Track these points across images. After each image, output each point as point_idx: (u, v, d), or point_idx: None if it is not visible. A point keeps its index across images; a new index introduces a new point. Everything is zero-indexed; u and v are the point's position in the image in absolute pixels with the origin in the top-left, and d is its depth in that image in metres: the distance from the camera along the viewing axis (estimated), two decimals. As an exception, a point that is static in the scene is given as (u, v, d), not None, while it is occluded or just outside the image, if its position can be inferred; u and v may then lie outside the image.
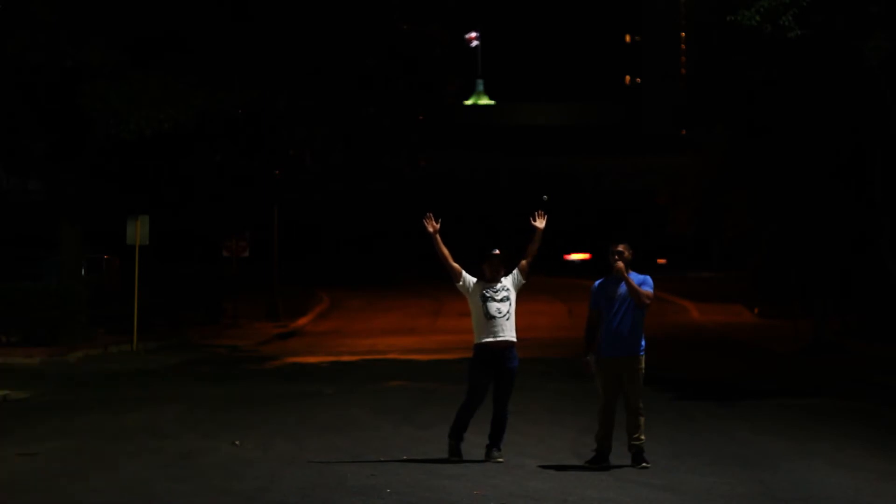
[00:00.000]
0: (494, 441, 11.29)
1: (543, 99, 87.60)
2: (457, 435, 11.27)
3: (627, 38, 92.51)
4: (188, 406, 15.78)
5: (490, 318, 11.15)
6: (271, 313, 35.98)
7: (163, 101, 23.00)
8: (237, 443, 12.54)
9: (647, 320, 11.19)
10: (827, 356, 24.68)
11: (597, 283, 11.26)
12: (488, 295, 11.19)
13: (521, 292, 11.47)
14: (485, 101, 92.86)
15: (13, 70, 23.60)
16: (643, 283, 11.02)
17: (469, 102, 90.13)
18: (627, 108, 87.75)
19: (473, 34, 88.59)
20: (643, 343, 11.04)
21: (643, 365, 11.04)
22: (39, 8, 21.97)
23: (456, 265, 11.38)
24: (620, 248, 11.05)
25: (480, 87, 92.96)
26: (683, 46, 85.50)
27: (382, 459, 11.38)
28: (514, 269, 11.40)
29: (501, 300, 11.20)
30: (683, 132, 67.32)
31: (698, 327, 34.77)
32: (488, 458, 11.17)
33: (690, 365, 22.74)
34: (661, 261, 59.34)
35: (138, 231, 25.19)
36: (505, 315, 11.19)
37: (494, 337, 11.12)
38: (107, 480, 10.55)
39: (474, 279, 11.33)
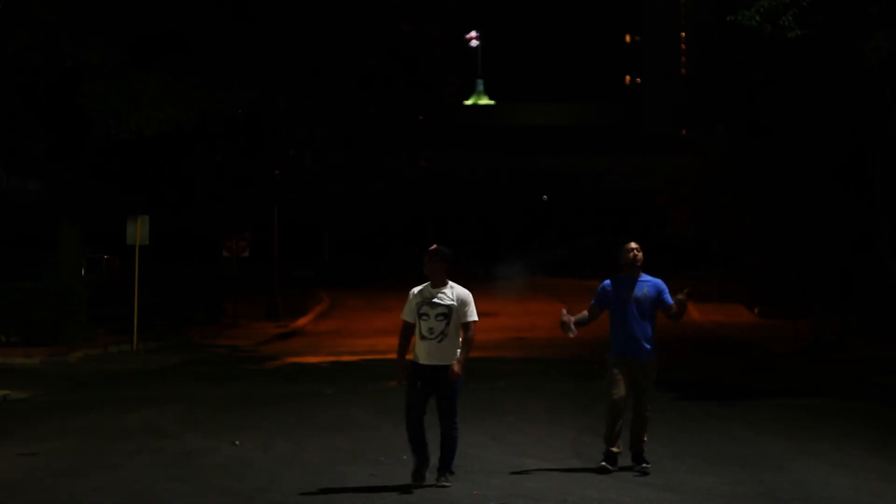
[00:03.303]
0: (442, 464, 10.12)
1: (543, 99, 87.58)
2: (417, 457, 10.11)
3: (627, 38, 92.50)
4: (188, 406, 15.78)
5: (422, 337, 10.01)
6: (271, 313, 35.98)
7: (163, 101, 22.99)
8: (237, 443, 12.55)
9: (646, 321, 11.12)
10: (827, 356, 24.67)
11: (607, 282, 10.98)
12: (423, 311, 10.01)
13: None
14: (485, 101, 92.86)
15: (13, 70, 23.59)
16: (656, 286, 10.87)
17: (469, 102, 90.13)
18: (627, 108, 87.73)
19: (473, 34, 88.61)
20: (654, 346, 10.81)
21: (655, 369, 10.88)
22: (39, 8, 21.96)
23: (406, 326, 10.15)
24: (634, 245, 10.87)
25: (480, 87, 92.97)
26: (683, 46, 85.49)
27: (382, 459, 11.37)
28: (466, 294, 10.06)
29: (438, 316, 9.96)
30: (683, 132, 67.32)
31: (698, 327, 34.76)
32: (436, 483, 10.02)
33: (691, 365, 22.73)
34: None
35: (138, 231, 25.19)
36: (437, 337, 9.93)
37: (423, 360, 10.02)
38: (107, 480, 10.55)
39: (415, 290, 10.14)
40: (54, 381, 19.06)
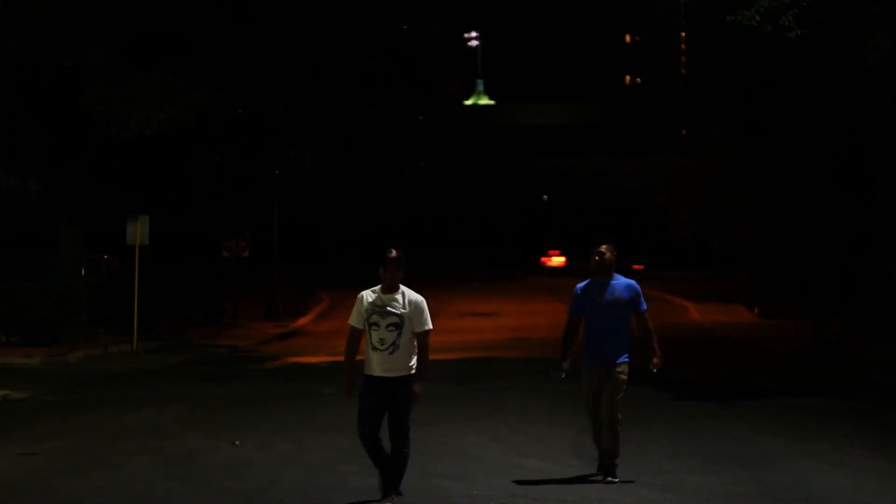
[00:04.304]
0: (390, 482, 9.48)
1: (543, 99, 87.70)
2: (383, 473, 9.52)
3: (627, 38, 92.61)
4: (188, 406, 15.77)
5: (373, 348, 9.34)
6: (271, 313, 35.98)
7: (163, 101, 23.00)
8: (237, 443, 12.55)
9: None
10: (827, 356, 24.67)
11: (579, 286, 10.68)
12: (373, 320, 9.33)
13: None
14: (485, 101, 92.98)
15: (13, 70, 23.59)
16: (630, 288, 10.51)
17: (469, 102, 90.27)
18: (627, 108, 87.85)
19: (473, 34, 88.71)
20: (628, 350, 10.45)
21: (626, 372, 10.40)
22: (39, 8, 21.96)
23: (354, 332, 9.52)
24: (603, 248, 10.46)
25: (480, 87, 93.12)
26: (683, 46, 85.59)
27: (382, 459, 11.35)
28: (419, 301, 9.54)
29: (389, 326, 9.31)
30: (683, 132, 67.35)
31: (698, 327, 34.76)
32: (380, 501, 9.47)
33: (691, 365, 22.73)
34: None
35: (138, 231, 25.19)
36: (388, 348, 9.30)
37: (375, 372, 9.38)
38: (107, 480, 10.55)
39: (366, 294, 9.50)
40: (54, 381, 19.05)
